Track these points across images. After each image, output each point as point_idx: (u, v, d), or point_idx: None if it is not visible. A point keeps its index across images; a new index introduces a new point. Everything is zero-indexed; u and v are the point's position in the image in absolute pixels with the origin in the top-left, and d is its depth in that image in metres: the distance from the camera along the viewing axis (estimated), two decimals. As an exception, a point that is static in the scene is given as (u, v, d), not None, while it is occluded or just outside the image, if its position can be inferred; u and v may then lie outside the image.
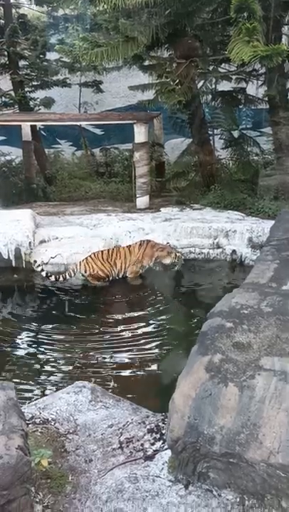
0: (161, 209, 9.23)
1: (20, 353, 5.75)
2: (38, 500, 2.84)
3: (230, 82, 9.95)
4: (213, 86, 9.56)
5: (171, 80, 8.47)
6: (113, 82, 13.78)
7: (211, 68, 9.00)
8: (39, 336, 6.12)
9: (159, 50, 9.36)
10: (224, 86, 10.09)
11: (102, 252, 7.55)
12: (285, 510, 2.65)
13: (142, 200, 9.35)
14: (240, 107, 10.59)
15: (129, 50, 7.81)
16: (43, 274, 7.30)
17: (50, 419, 3.59)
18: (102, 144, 14.01)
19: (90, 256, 7.48)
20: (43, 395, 4.55)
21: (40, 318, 6.58)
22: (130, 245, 7.75)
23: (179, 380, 3.22)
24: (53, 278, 7.28)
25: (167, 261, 7.67)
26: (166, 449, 3.19)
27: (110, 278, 7.51)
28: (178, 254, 7.70)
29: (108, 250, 7.61)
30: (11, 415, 2.81)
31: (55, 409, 3.70)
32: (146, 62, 9.90)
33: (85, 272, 7.42)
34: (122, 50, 7.75)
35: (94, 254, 7.51)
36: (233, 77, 9.65)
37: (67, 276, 7.32)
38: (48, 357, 5.64)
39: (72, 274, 7.37)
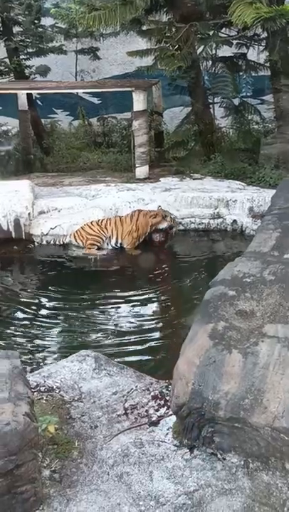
0: (160, 179, 9.14)
1: (23, 323, 5.77)
2: (45, 465, 2.88)
3: (231, 48, 9.69)
4: (214, 51, 9.30)
5: (171, 45, 8.25)
6: (110, 48, 13.42)
7: (211, 33, 8.74)
8: (41, 307, 6.13)
9: (157, 13, 9.09)
10: (225, 52, 9.82)
11: (91, 221, 7.57)
12: (289, 472, 2.71)
13: (141, 170, 9.24)
14: (241, 73, 10.33)
15: (127, 13, 7.56)
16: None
17: (54, 387, 3.63)
18: (99, 113, 13.75)
19: (80, 227, 7.51)
20: (47, 363, 4.58)
21: (41, 289, 6.59)
22: (121, 216, 7.72)
23: (183, 348, 3.24)
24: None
25: (163, 225, 7.67)
26: (170, 415, 3.23)
27: (103, 240, 7.46)
28: (172, 217, 7.68)
29: (98, 220, 7.61)
30: (17, 383, 2.83)
31: (60, 377, 3.73)
32: (145, 27, 9.61)
33: (76, 242, 7.43)
34: (119, 14, 7.50)
35: (84, 224, 7.53)
36: (234, 42, 9.40)
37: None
38: (51, 326, 5.66)
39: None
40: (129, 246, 7.58)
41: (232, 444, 2.81)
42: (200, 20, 8.51)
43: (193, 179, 9.05)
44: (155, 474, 2.81)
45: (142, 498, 2.66)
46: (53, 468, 2.88)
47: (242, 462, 2.80)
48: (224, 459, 2.83)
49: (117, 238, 7.54)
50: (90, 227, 7.47)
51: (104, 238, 7.48)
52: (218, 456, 2.85)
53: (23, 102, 10.92)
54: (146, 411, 3.34)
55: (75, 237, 7.47)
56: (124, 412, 3.34)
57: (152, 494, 2.68)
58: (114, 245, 7.58)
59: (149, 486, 2.73)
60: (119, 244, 7.58)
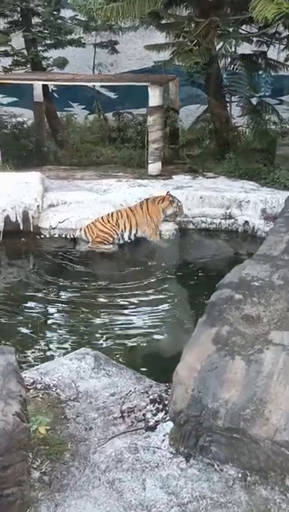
0: (173, 176, 9.00)
1: (25, 316, 5.69)
2: (35, 466, 2.79)
3: (251, 45, 9.50)
4: (233, 48, 9.12)
5: (189, 40, 8.09)
6: (129, 43, 13.28)
7: (231, 29, 8.56)
8: (45, 301, 6.05)
9: (177, 7, 8.91)
10: (244, 49, 9.64)
11: (102, 216, 7.45)
12: (289, 488, 2.57)
13: (154, 167, 9.10)
14: (260, 72, 10.14)
15: (146, 6, 7.41)
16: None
17: (51, 385, 3.53)
18: (115, 108, 13.63)
19: (91, 222, 7.38)
20: (46, 360, 4.49)
21: (46, 283, 6.50)
22: (130, 207, 7.63)
23: (184, 352, 3.13)
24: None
25: (170, 211, 7.59)
26: (168, 420, 3.11)
27: (115, 238, 7.36)
28: (179, 204, 7.58)
29: (108, 213, 7.49)
30: (9, 380, 2.73)
31: (57, 375, 3.63)
32: (164, 22, 9.44)
33: (86, 237, 7.32)
34: (138, 7, 7.35)
35: (95, 219, 7.42)
36: (254, 39, 9.21)
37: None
38: (52, 322, 5.58)
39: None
40: (152, 237, 7.50)
41: (229, 456, 2.68)
42: (220, 16, 8.33)
43: (207, 178, 8.90)
44: (148, 482, 2.69)
45: (133, 507, 2.55)
46: (43, 470, 2.78)
47: (240, 475, 2.68)
48: (221, 471, 2.71)
49: (130, 230, 7.46)
50: (102, 224, 7.33)
51: (115, 236, 7.37)
52: (215, 467, 2.72)
53: (38, 94, 10.86)
54: (144, 415, 3.22)
55: (85, 231, 7.35)
56: (120, 414, 3.23)
57: (144, 504, 2.57)
58: (127, 238, 7.48)
59: (141, 495, 2.62)
60: (132, 237, 7.48)
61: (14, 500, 2.45)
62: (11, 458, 2.42)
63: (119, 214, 7.48)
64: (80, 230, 7.39)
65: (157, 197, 7.65)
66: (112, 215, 7.46)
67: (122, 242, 7.48)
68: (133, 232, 7.47)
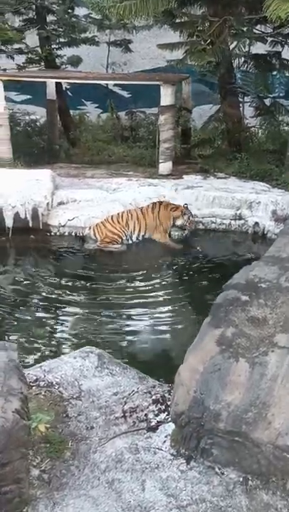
0: (184, 176, 8.95)
1: (31, 313, 5.69)
2: (35, 464, 2.78)
3: (265, 45, 9.41)
4: (247, 48, 9.05)
5: (203, 39, 8.03)
6: (143, 42, 13.25)
7: (245, 29, 8.49)
8: (52, 298, 6.03)
9: (191, 6, 8.86)
10: (258, 49, 9.56)
11: (112, 215, 7.42)
12: (290, 494, 2.53)
13: (164, 166, 9.05)
14: (274, 72, 10.05)
15: (159, 4, 7.38)
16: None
17: (54, 382, 3.51)
18: (128, 107, 13.61)
19: (100, 221, 7.36)
20: (50, 357, 4.48)
21: (54, 281, 6.49)
22: (142, 207, 7.57)
23: (188, 353, 3.09)
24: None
25: (179, 222, 7.55)
26: (170, 421, 3.08)
27: (123, 239, 7.34)
28: (191, 219, 7.51)
29: (118, 213, 7.46)
30: (10, 377, 2.72)
31: (61, 373, 3.62)
32: (178, 21, 9.40)
33: (95, 236, 7.29)
34: (151, 5, 7.32)
35: (105, 219, 7.40)
36: (269, 39, 9.12)
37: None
38: (57, 320, 5.57)
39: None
40: (161, 240, 7.49)
41: (231, 459, 2.64)
42: (234, 15, 8.27)
43: (217, 178, 8.83)
44: (148, 484, 2.67)
45: (132, 508, 2.53)
46: (42, 468, 2.77)
47: (240, 479, 2.64)
48: (222, 474, 2.67)
49: (139, 232, 7.45)
50: (111, 225, 7.30)
51: (124, 237, 7.36)
52: (216, 470, 2.69)
53: (51, 92, 10.86)
54: (146, 415, 3.20)
55: (94, 231, 7.33)
56: (122, 414, 3.20)
57: (143, 505, 2.54)
58: (136, 239, 7.47)
59: (140, 496, 2.59)
60: (141, 237, 7.47)
61: (12, 498, 2.44)
62: (10, 455, 2.41)
63: (129, 215, 7.44)
64: (89, 228, 7.38)
65: (172, 204, 7.59)
66: (122, 215, 7.43)
67: (130, 242, 7.46)
68: (142, 234, 7.48)
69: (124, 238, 7.36)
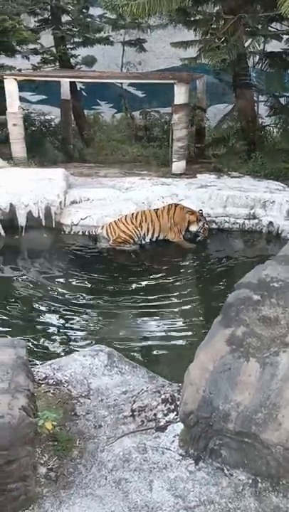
0: (197, 175, 8.90)
1: (42, 312, 5.70)
2: (42, 462, 2.75)
3: (281, 43, 9.30)
4: (262, 46, 8.95)
5: (217, 37, 7.96)
6: (158, 42, 13.23)
7: (260, 26, 8.40)
8: (65, 297, 6.04)
9: (205, 4, 8.79)
10: (273, 47, 9.45)
11: (126, 215, 7.39)
12: (301, 497, 2.47)
13: (178, 165, 9.01)
14: (290, 71, 9.92)
15: (173, 2, 7.33)
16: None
17: (63, 380, 3.50)
18: (142, 106, 13.60)
19: (114, 220, 7.33)
20: (59, 355, 4.48)
21: (67, 280, 6.50)
22: (157, 209, 7.52)
23: (198, 352, 3.04)
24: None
25: (194, 228, 7.45)
26: (179, 421, 3.04)
27: (136, 240, 7.30)
28: (206, 226, 7.43)
29: (133, 213, 7.42)
30: (18, 374, 2.71)
31: (70, 371, 3.60)
32: (192, 19, 9.34)
33: (107, 235, 7.27)
34: (165, 2, 7.27)
35: (118, 218, 7.37)
36: (284, 37, 9.01)
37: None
38: (69, 318, 5.56)
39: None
40: (175, 239, 7.45)
41: (240, 461, 2.59)
42: (249, 13, 8.18)
43: (231, 177, 8.77)
44: (155, 484, 2.63)
45: (139, 508, 2.49)
46: (50, 466, 2.75)
47: (250, 480, 2.59)
48: (231, 475, 2.62)
49: (153, 233, 7.40)
50: (124, 225, 7.27)
51: (136, 238, 7.32)
52: (225, 471, 2.64)
53: (65, 92, 10.91)
54: (155, 414, 3.16)
55: (107, 230, 7.31)
56: (131, 413, 3.17)
57: (150, 505, 2.50)
58: (149, 240, 7.42)
59: (148, 496, 2.55)
60: (154, 239, 7.43)
61: (18, 496, 2.42)
62: (16, 452, 2.39)
63: (143, 216, 7.37)
64: (102, 227, 7.37)
65: (188, 208, 7.53)
66: (136, 216, 7.36)
67: (142, 243, 7.42)
68: (155, 235, 7.43)
69: (136, 239, 7.32)
